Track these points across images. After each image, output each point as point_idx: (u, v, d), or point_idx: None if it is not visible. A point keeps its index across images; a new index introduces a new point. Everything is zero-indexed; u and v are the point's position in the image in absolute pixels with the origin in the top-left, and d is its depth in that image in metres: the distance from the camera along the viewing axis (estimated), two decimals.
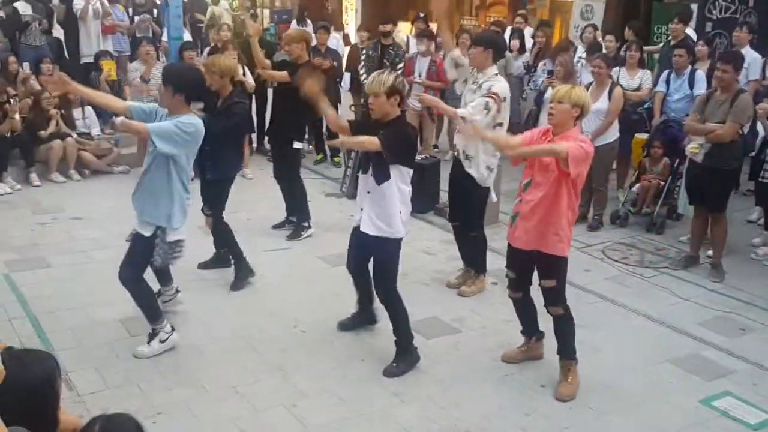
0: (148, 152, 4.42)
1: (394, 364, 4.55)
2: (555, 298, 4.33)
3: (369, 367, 4.60)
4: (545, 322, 4.59)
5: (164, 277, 5.08)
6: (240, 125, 5.75)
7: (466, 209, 5.57)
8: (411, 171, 4.42)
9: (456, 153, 5.57)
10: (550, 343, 4.59)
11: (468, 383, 4.47)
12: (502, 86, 5.25)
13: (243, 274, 5.64)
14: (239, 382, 4.37)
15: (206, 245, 5.89)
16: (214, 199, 5.62)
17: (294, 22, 12.67)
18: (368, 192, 4.41)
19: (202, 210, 5.72)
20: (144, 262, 4.56)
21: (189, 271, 5.59)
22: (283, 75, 6.31)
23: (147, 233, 4.47)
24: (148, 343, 4.62)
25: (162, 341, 4.62)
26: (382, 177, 4.31)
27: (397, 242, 4.46)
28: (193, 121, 4.35)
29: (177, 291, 5.19)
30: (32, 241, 6.51)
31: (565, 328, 4.39)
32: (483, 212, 5.68)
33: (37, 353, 2.38)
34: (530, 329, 4.70)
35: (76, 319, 5.05)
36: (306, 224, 6.68)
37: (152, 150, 4.33)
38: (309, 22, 12.14)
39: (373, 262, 4.57)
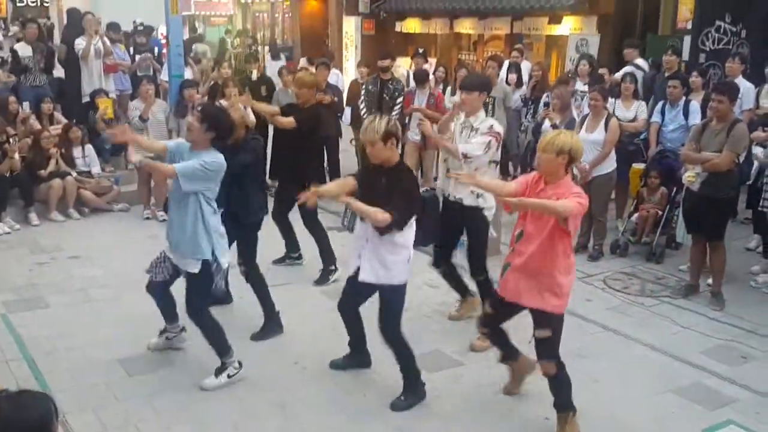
0: (174, 190, 4.56)
1: (402, 398, 4.52)
2: (549, 349, 4.14)
3: (371, 401, 4.56)
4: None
5: (170, 315, 5.07)
6: (258, 162, 5.57)
7: (472, 250, 5.41)
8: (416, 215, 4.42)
9: (446, 194, 5.42)
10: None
11: (471, 417, 4.42)
12: (501, 128, 5.30)
13: (270, 329, 5.47)
14: (239, 420, 4.33)
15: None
16: (244, 248, 5.51)
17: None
18: (367, 240, 4.38)
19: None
20: (205, 293, 4.65)
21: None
22: (289, 121, 6.22)
23: (195, 269, 4.55)
24: (216, 376, 4.68)
25: (230, 376, 4.69)
26: (385, 228, 4.28)
27: (402, 287, 4.44)
28: (216, 158, 4.51)
29: (182, 329, 5.16)
30: (30, 281, 6.50)
31: (560, 386, 4.23)
32: (486, 249, 5.52)
33: (33, 394, 2.35)
34: (509, 354, 4.61)
35: (74, 360, 5.01)
36: (333, 267, 6.57)
37: (176, 188, 4.48)
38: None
39: (379, 306, 4.53)
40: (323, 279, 6.53)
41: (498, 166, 5.33)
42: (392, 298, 4.43)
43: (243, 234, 5.44)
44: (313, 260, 6.74)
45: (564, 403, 4.24)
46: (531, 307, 4.15)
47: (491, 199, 5.26)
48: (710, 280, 6.42)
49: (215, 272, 4.59)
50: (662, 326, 5.82)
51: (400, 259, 4.35)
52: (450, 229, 5.44)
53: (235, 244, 5.38)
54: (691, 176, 6.17)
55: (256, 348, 5.22)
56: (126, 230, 8.09)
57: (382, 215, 4.15)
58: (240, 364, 4.75)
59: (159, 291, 4.86)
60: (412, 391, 4.54)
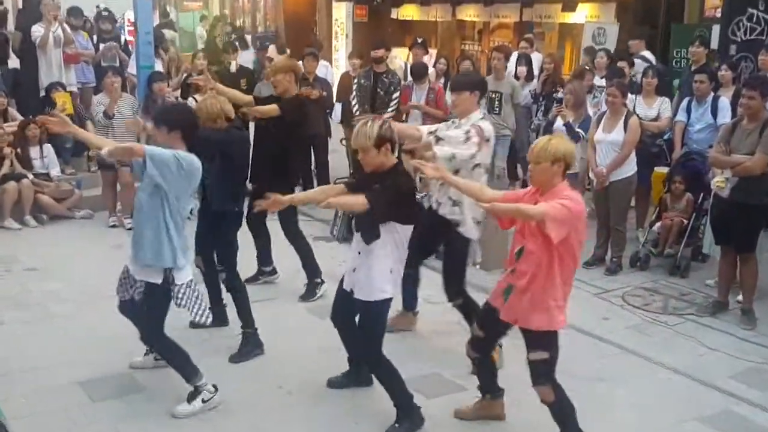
0: (140, 189, 4.60)
1: (396, 425, 4.58)
2: (544, 373, 4.19)
3: (364, 430, 4.58)
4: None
5: None
6: (233, 147, 5.55)
7: (448, 272, 5.36)
8: (409, 228, 4.44)
9: (429, 200, 5.40)
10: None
11: None
12: (488, 126, 5.26)
13: (249, 348, 5.51)
14: None
15: None
16: (222, 250, 5.59)
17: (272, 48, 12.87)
18: (359, 253, 4.46)
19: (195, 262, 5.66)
20: (163, 313, 4.66)
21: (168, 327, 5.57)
22: (271, 108, 6.19)
23: (158, 280, 4.57)
24: (189, 402, 4.70)
25: (204, 401, 4.71)
26: (370, 236, 4.35)
27: (383, 304, 4.49)
28: (191, 157, 4.56)
29: None
30: None
31: (562, 415, 4.24)
32: (464, 273, 5.42)
33: None
34: (488, 387, 4.69)
35: (30, 383, 5.03)
36: (318, 280, 6.60)
37: (144, 191, 4.52)
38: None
39: (359, 324, 4.63)
40: (309, 294, 6.56)
41: (486, 172, 5.26)
42: (372, 314, 4.49)
43: (219, 234, 5.54)
44: (297, 273, 6.78)
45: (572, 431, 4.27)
46: (535, 329, 4.18)
47: (470, 211, 5.17)
48: (740, 297, 6.49)
49: (181, 289, 4.59)
50: (687, 347, 5.87)
51: (384, 273, 4.41)
52: (424, 239, 5.09)
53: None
54: (720, 181, 6.23)
55: (235, 369, 5.25)
56: (89, 239, 8.11)
57: (355, 200, 4.23)
58: (215, 387, 4.78)
59: (131, 310, 4.85)
60: (407, 416, 4.59)
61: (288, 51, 11.96)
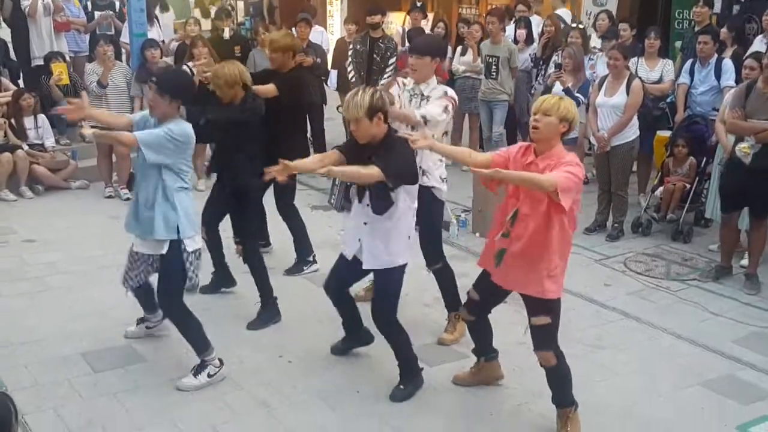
0: (138, 163, 4.59)
1: (401, 387, 4.64)
2: (547, 338, 4.17)
3: (365, 399, 4.63)
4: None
5: (149, 305, 5.14)
6: (253, 124, 5.52)
7: (426, 236, 5.31)
8: (417, 187, 4.48)
9: None
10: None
11: (476, 415, 4.50)
12: (453, 92, 5.26)
13: (267, 316, 5.57)
14: (218, 420, 4.38)
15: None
16: (240, 222, 5.60)
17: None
18: (365, 223, 4.45)
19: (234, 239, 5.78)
20: (178, 281, 4.67)
21: None
22: (269, 89, 6.03)
23: (162, 251, 4.60)
24: (195, 375, 4.72)
25: (210, 375, 4.74)
26: (382, 206, 4.33)
27: (400, 270, 4.52)
28: (183, 127, 4.53)
29: (164, 318, 5.20)
30: None
31: (559, 380, 4.26)
32: (441, 234, 5.47)
33: None
34: (482, 349, 4.71)
35: (32, 354, 5.05)
36: (310, 258, 6.59)
37: (143, 164, 4.51)
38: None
39: (374, 291, 4.66)
40: (296, 269, 6.55)
41: (449, 137, 5.33)
42: (390, 281, 4.51)
43: (237, 208, 5.52)
44: (292, 246, 6.79)
45: (565, 398, 4.29)
46: (530, 295, 4.18)
47: (436, 174, 5.20)
48: (743, 261, 6.50)
49: (188, 257, 4.62)
50: (690, 313, 5.90)
51: (402, 239, 4.44)
52: None
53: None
54: (745, 148, 6.09)
55: (236, 341, 5.27)
56: (86, 210, 8.11)
57: (369, 173, 4.20)
58: (221, 361, 4.80)
59: (146, 293, 5.01)
60: (411, 378, 4.66)
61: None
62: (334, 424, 4.39)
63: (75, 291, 6.06)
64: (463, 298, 4.76)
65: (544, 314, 4.14)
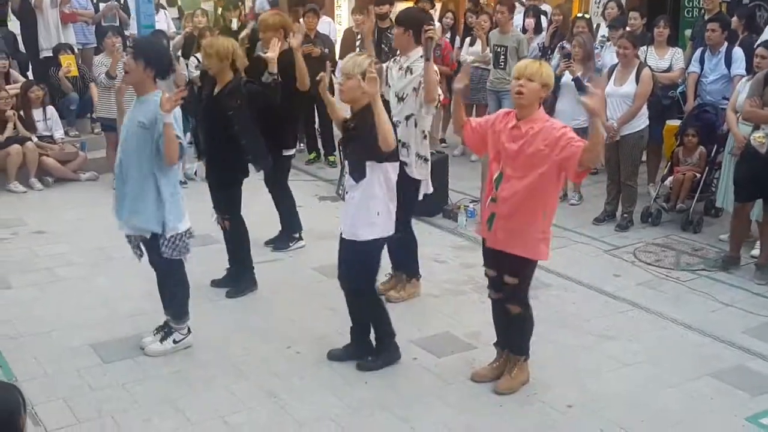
0: (123, 151, 4.61)
1: (370, 358, 4.76)
2: (516, 293, 4.41)
3: (373, 390, 4.62)
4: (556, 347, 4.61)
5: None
6: (245, 108, 5.54)
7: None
8: (396, 164, 4.54)
9: None
10: (572, 363, 4.62)
11: (485, 406, 4.48)
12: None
13: (245, 285, 5.77)
14: (227, 411, 4.39)
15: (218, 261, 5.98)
16: (223, 199, 5.73)
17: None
18: (347, 193, 4.56)
19: (215, 217, 5.87)
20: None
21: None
22: (270, 57, 5.88)
23: (147, 235, 4.67)
24: (161, 341, 4.80)
25: (176, 341, 4.81)
26: (358, 174, 4.44)
27: (365, 244, 4.53)
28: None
29: (189, 331, 5.06)
30: None
31: (520, 326, 4.50)
32: (412, 209, 5.57)
33: None
34: (505, 339, 4.69)
35: (42, 346, 5.06)
36: (297, 235, 6.68)
37: (128, 148, 4.54)
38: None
39: (339, 258, 4.72)
40: (281, 244, 6.63)
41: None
42: (354, 251, 4.56)
43: (222, 187, 5.67)
44: (306, 234, 6.79)
45: (520, 347, 4.50)
46: (514, 254, 4.28)
47: (413, 149, 5.34)
48: (754, 251, 6.46)
49: (163, 242, 4.66)
50: (700, 303, 5.87)
51: (370, 214, 4.48)
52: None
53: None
54: (761, 137, 6.08)
55: (244, 331, 5.27)
56: (95, 202, 8.11)
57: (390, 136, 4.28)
58: (189, 330, 4.88)
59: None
60: (384, 352, 4.78)
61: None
62: (342, 414, 4.38)
63: (84, 282, 6.08)
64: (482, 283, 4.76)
65: (514, 275, 4.33)
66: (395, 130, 4.53)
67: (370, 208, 4.47)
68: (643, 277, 6.35)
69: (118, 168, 4.70)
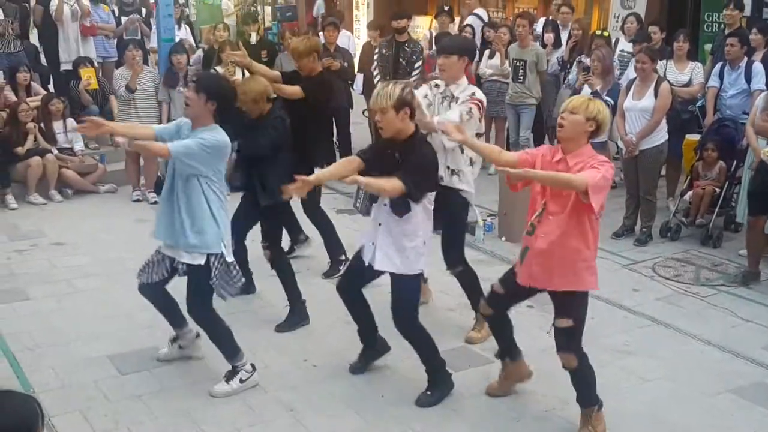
0: (170, 175, 4.55)
1: (428, 393, 4.61)
2: (570, 341, 4.14)
3: (390, 404, 4.61)
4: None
5: (175, 318, 4.99)
6: (283, 140, 5.55)
7: (449, 239, 5.32)
8: (434, 192, 4.46)
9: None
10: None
11: (503, 420, 4.46)
12: (481, 93, 5.23)
13: (296, 319, 5.61)
14: (243, 424, 4.39)
15: None
16: (267, 229, 5.67)
17: None
18: (380, 224, 4.45)
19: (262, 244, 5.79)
20: (210, 291, 4.64)
21: None
22: (295, 90, 6.10)
23: (201, 261, 4.53)
24: (227, 381, 4.70)
25: (242, 381, 4.71)
26: (402, 208, 4.32)
27: (416, 278, 4.51)
28: (216, 135, 4.46)
29: (197, 335, 5.08)
30: (9, 270, 6.60)
31: (582, 381, 4.23)
32: (464, 237, 5.50)
33: (16, 396, 2.39)
34: (506, 349, 4.65)
35: (59, 357, 5.09)
36: (342, 257, 6.58)
37: (180, 175, 4.47)
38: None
39: (391, 297, 4.60)
40: (333, 271, 6.55)
41: (483, 138, 5.27)
42: (408, 288, 4.49)
43: (265, 215, 5.57)
44: (322, 246, 6.79)
45: (588, 399, 4.24)
46: (558, 291, 4.14)
47: (470, 177, 5.20)
48: None
49: (218, 268, 4.56)
50: (720, 319, 5.82)
51: (417, 245, 4.41)
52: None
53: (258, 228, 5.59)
54: None
55: (260, 344, 5.28)
56: (114, 214, 8.18)
57: (392, 184, 4.18)
58: (253, 367, 4.78)
59: (153, 292, 4.83)
60: (439, 383, 4.63)
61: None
62: (359, 428, 4.37)
63: (102, 294, 6.11)
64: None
65: (567, 316, 4.12)
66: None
67: (418, 238, 4.40)
68: (663, 292, 6.30)
69: (165, 191, 4.67)
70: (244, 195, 5.75)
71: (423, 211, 4.39)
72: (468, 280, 5.39)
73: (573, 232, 4.00)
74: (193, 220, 4.47)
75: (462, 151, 5.14)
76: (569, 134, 3.99)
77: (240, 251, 5.86)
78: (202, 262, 4.52)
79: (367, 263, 4.56)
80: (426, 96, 5.20)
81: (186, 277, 4.62)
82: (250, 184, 5.52)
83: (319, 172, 4.55)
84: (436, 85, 5.29)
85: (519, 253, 4.25)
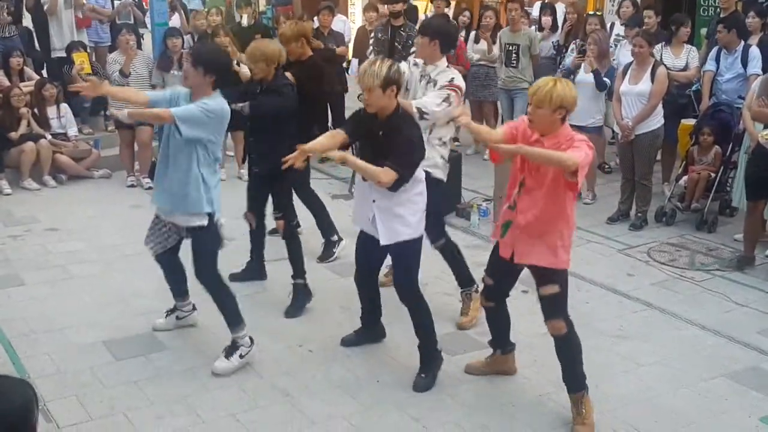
0: (165, 143, 4.62)
1: (422, 375, 4.63)
2: (557, 307, 4.20)
3: (385, 389, 4.62)
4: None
5: (180, 289, 5.14)
6: (289, 108, 5.54)
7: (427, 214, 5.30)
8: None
9: None
10: (586, 363, 4.58)
11: (498, 406, 4.47)
12: (461, 79, 5.20)
13: (301, 301, 5.62)
14: (239, 409, 4.40)
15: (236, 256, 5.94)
16: (278, 198, 5.67)
17: None
18: (374, 201, 4.47)
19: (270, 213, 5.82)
20: (215, 252, 4.74)
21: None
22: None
23: (204, 221, 4.63)
24: (227, 357, 4.74)
25: (242, 356, 4.76)
26: (395, 186, 4.35)
27: (419, 240, 4.56)
28: (217, 101, 4.54)
29: (193, 308, 5.25)
30: (4, 256, 6.58)
31: (568, 351, 4.22)
32: (441, 212, 5.51)
33: (11, 381, 2.39)
34: (499, 341, 4.69)
35: (55, 342, 5.09)
36: (335, 237, 6.61)
37: (175, 139, 4.52)
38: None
39: (393, 263, 4.68)
40: (327, 253, 6.56)
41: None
42: (408, 253, 4.54)
43: (272, 184, 5.58)
44: (315, 231, 6.78)
45: (575, 382, 4.24)
46: (538, 265, 4.19)
47: (438, 152, 5.20)
48: None
49: (219, 226, 4.68)
50: (714, 303, 5.83)
51: (417, 210, 4.48)
52: None
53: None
54: (767, 135, 6.07)
55: (256, 330, 5.25)
56: (108, 199, 8.16)
57: (386, 176, 4.23)
58: (251, 340, 4.83)
59: (167, 261, 4.96)
60: (431, 362, 4.66)
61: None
62: (354, 413, 4.38)
63: (97, 279, 6.10)
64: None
65: (552, 283, 4.17)
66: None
67: (417, 204, 4.48)
68: (658, 276, 6.32)
69: (161, 162, 4.76)
70: (250, 170, 5.83)
71: (415, 184, 4.45)
72: (451, 253, 5.45)
73: (551, 208, 4.07)
74: (189, 186, 4.54)
75: (430, 132, 5.13)
76: (541, 127, 4.05)
77: (259, 233, 5.94)
78: (205, 222, 4.61)
79: (364, 234, 4.62)
80: (404, 73, 5.16)
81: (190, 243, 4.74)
82: (252, 151, 5.61)
83: (313, 142, 4.55)
84: (415, 64, 5.31)
85: (501, 226, 4.30)
